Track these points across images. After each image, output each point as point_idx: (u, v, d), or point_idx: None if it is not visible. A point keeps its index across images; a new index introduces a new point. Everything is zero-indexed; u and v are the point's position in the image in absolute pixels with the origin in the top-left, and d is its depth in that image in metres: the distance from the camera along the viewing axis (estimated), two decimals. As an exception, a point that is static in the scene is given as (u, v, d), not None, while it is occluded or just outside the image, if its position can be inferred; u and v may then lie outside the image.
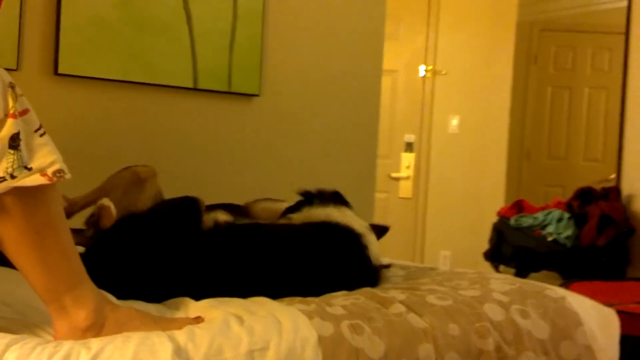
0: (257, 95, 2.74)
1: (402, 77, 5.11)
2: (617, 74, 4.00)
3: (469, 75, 4.99)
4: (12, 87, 0.98)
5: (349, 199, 1.74)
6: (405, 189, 5.14)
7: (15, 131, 0.96)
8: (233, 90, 2.67)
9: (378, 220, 2.28)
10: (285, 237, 1.51)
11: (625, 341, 1.58)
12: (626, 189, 3.80)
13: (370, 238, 1.59)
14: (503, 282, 1.51)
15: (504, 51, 4.83)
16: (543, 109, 4.78)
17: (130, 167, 1.82)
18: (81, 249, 1.29)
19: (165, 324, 1.08)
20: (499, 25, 4.88)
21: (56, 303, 1.02)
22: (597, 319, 1.45)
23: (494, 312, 1.33)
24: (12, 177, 0.94)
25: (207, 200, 1.59)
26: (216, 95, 2.65)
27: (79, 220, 1.71)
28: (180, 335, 1.02)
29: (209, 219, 1.48)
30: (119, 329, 1.03)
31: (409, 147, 5.13)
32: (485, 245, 4.07)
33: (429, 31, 5.06)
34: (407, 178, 5.13)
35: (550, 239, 3.73)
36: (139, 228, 1.43)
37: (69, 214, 1.69)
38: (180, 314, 1.20)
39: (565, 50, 4.69)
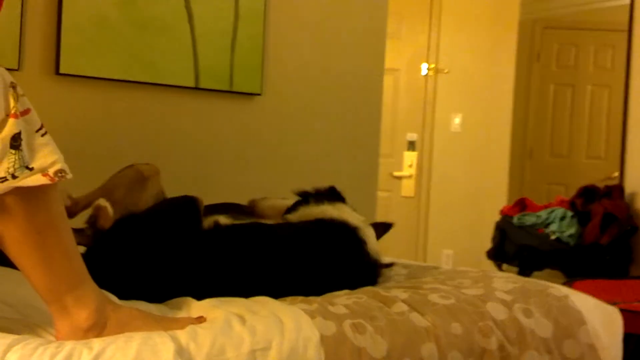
0: (258, 95, 2.74)
1: (404, 75, 5.10)
2: (619, 71, 3.99)
3: (471, 74, 4.98)
4: (14, 87, 0.98)
5: (351, 197, 1.74)
6: (407, 187, 5.13)
7: (16, 131, 0.96)
8: (235, 89, 2.67)
9: (380, 219, 2.28)
10: (284, 236, 1.51)
11: (629, 339, 1.58)
12: (629, 186, 3.79)
13: (367, 232, 1.59)
14: (506, 280, 1.51)
15: (507, 49, 4.82)
16: (545, 107, 4.76)
17: (133, 165, 1.82)
18: (82, 248, 1.29)
19: (167, 324, 1.08)
20: (501, 23, 4.87)
21: (58, 303, 1.02)
22: (600, 318, 1.45)
23: (496, 310, 1.33)
24: (14, 177, 0.94)
25: (209, 200, 1.59)
26: (218, 95, 2.65)
27: (79, 220, 1.71)
28: (183, 335, 1.02)
29: (210, 221, 1.48)
30: (120, 329, 1.03)
31: (411, 145, 5.12)
32: (488, 244, 4.06)
33: (431, 29, 5.05)
34: (410, 177, 5.12)
35: (553, 237, 3.72)
36: (139, 228, 1.43)
37: (72, 213, 1.69)
38: (182, 314, 1.20)
39: (568, 48, 4.67)
